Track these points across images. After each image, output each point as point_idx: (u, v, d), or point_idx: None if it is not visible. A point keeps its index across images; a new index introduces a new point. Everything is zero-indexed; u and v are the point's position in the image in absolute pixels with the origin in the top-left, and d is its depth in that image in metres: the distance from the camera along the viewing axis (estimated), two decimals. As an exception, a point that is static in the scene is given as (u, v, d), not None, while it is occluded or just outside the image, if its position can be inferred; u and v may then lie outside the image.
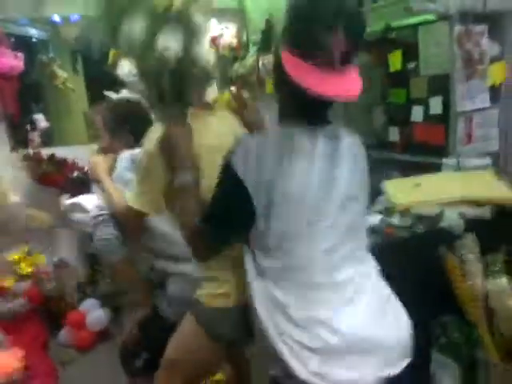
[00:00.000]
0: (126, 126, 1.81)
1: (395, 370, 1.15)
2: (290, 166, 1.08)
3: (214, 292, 1.39)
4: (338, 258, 1.15)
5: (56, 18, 3.65)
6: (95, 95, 3.92)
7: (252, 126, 1.49)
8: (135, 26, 1.17)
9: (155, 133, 1.32)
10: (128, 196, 1.45)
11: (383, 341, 1.15)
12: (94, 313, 2.92)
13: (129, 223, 1.56)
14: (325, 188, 1.12)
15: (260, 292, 1.15)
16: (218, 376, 2.36)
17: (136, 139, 1.74)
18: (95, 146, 3.23)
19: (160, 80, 1.22)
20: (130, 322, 1.83)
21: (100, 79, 3.74)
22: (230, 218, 1.14)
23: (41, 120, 3.84)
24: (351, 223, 1.18)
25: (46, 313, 2.94)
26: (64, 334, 2.89)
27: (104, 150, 1.91)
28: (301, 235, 1.11)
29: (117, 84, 3.38)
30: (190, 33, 1.23)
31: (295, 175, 1.08)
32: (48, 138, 3.80)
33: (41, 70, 3.80)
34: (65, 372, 2.53)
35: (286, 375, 1.11)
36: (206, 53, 1.27)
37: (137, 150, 1.73)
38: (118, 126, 1.86)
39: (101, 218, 1.75)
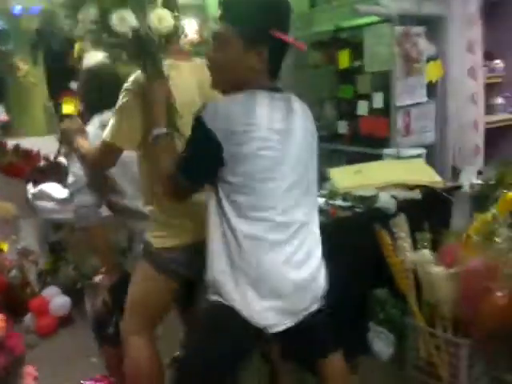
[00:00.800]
0: (99, 90, 1.91)
1: (310, 310, 1.38)
2: (254, 117, 1.27)
3: (161, 234, 1.56)
4: (293, 202, 1.34)
5: (16, 8, 3.67)
6: (55, 87, 3.99)
7: None
8: (91, 10, 1.28)
9: (137, 77, 1.47)
10: (105, 133, 1.53)
11: (311, 285, 1.37)
12: (57, 299, 3.01)
13: (103, 160, 1.63)
14: (282, 137, 1.31)
15: (218, 232, 1.31)
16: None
17: (107, 104, 1.84)
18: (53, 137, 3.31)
19: (125, 49, 1.35)
20: (100, 290, 1.95)
21: (60, 71, 3.78)
22: (202, 163, 1.31)
23: (0, 112, 3.85)
24: (304, 173, 1.38)
25: (10, 300, 2.99)
26: (27, 320, 2.96)
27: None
28: (263, 177, 1.29)
29: (75, 75, 3.45)
30: (141, 1, 1.32)
31: (260, 125, 1.27)
32: (6, 130, 3.82)
33: (1, 61, 3.81)
34: (27, 357, 2.59)
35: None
36: (161, 16, 1.34)
37: (106, 114, 1.85)
38: (91, 91, 1.96)
39: (78, 186, 1.85)
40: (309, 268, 1.36)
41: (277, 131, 1.30)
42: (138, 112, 1.46)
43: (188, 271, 1.59)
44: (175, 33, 1.39)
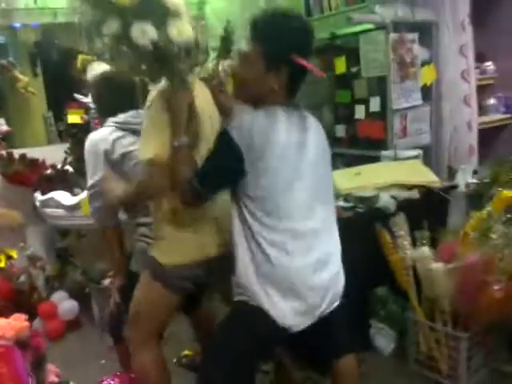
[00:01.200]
0: (112, 93, 1.98)
1: (332, 307, 1.46)
2: (274, 133, 1.35)
3: (167, 250, 1.58)
4: (311, 210, 1.42)
5: (16, 24, 3.74)
6: (54, 98, 4.06)
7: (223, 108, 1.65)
8: (110, 26, 1.31)
9: (159, 89, 1.50)
10: (142, 154, 1.50)
11: (331, 287, 1.45)
12: (64, 303, 3.08)
13: (153, 182, 1.52)
14: (299, 151, 1.40)
15: (243, 240, 1.38)
16: (186, 351, 2.58)
17: (121, 107, 1.93)
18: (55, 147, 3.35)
19: (144, 61, 1.39)
20: (111, 292, 2.01)
21: (61, 82, 3.84)
22: (222, 172, 1.40)
23: (1, 124, 3.92)
24: (319, 183, 1.46)
25: (18, 305, 3.04)
26: (36, 324, 3.01)
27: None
28: (283, 188, 1.37)
29: (76, 86, 3.52)
30: (162, 15, 1.34)
31: (279, 140, 1.35)
32: (9, 141, 3.88)
33: (1, 73, 3.88)
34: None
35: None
36: (184, 29, 1.36)
37: (120, 116, 1.91)
38: (105, 94, 2.02)
39: (96, 189, 1.88)
40: (328, 272, 1.44)
41: (293, 146, 1.39)
42: (165, 124, 1.47)
43: (193, 286, 1.63)
44: (196, 47, 1.44)
